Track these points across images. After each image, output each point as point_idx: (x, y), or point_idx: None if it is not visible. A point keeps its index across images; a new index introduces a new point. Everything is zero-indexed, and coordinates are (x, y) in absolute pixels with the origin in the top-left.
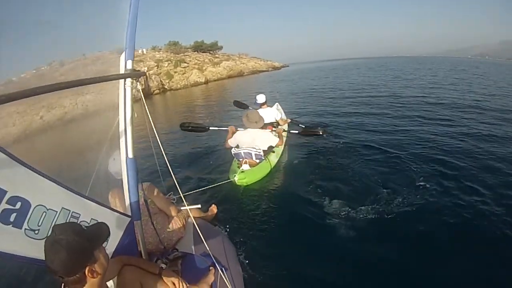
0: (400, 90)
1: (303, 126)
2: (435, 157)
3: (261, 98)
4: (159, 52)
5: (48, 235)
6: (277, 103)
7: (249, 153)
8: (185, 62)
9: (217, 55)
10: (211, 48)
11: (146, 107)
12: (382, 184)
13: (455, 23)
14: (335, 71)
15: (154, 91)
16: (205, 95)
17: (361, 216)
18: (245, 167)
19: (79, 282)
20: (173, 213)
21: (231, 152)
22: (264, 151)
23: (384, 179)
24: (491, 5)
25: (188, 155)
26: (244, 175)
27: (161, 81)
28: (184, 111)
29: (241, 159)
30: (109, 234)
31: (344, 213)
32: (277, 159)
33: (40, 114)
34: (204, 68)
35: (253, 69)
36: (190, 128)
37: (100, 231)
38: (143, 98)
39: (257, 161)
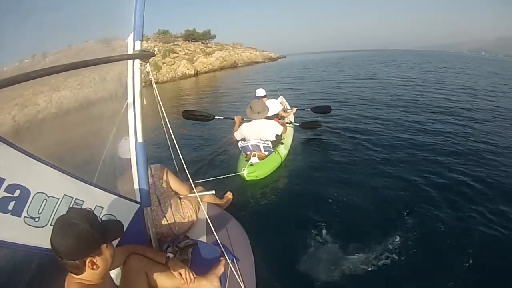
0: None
1: (310, 109)
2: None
3: (260, 92)
4: (147, 41)
5: (52, 223)
6: (281, 96)
7: (257, 145)
8: (175, 52)
9: (209, 45)
10: (203, 37)
11: (157, 91)
12: (396, 180)
13: (449, 17)
14: (340, 64)
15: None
16: (196, 89)
17: (373, 210)
18: (254, 160)
19: (77, 268)
20: (187, 194)
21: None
22: (272, 142)
23: (398, 177)
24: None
25: (194, 146)
26: (253, 169)
27: (148, 73)
28: (177, 106)
29: (248, 152)
30: (120, 234)
31: (357, 208)
32: (287, 151)
33: (13, 113)
34: (195, 58)
35: (248, 60)
36: (194, 116)
37: (113, 228)
38: (153, 81)
39: (266, 153)
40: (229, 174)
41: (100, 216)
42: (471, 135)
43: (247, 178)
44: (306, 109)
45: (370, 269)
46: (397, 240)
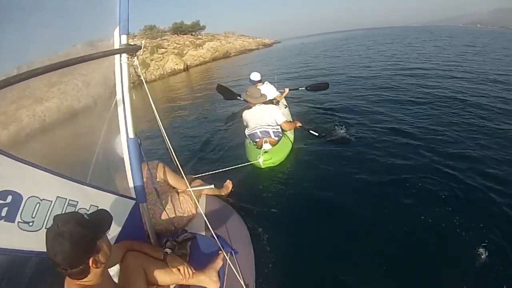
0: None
1: (304, 88)
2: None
3: (255, 76)
4: (133, 39)
5: (47, 226)
6: (266, 81)
7: (266, 131)
8: (163, 47)
9: (199, 36)
10: (193, 29)
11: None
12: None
13: None
14: (341, 46)
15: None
16: (188, 84)
17: (390, 209)
18: (267, 146)
19: (83, 273)
20: (185, 189)
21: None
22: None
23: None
24: None
25: (199, 138)
26: (269, 156)
27: (135, 72)
28: (170, 105)
29: (257, 140)
30: (111, 222)
31: (370, 201)
32: (293, 134)
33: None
34: (184, 52)
35: (241, 48)
36: (225, 90)
37: (103, 220)
38: (142, 75)
39: (276, 138)
40: (241, 164)
41: (87, 213)
42: None
43: (263, 166)
44: (300, 88)
45: (376, 265)
46: (413, 236)
